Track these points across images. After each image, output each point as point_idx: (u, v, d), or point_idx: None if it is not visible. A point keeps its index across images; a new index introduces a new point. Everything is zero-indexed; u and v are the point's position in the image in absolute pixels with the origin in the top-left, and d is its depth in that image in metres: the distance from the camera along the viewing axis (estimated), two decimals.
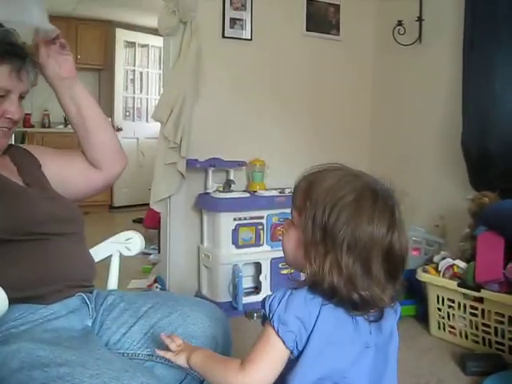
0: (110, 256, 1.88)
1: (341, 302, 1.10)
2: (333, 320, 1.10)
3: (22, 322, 1.39)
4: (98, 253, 1.83)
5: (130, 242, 1.87)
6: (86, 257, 1.68)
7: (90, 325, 1.54)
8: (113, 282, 1.85)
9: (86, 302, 1.55)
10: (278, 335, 1.09)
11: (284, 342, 1.09)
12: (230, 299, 3.61)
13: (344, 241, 1.09)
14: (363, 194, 1.13)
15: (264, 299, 1.15)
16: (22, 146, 1.81)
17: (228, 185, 3.73)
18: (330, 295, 1.10)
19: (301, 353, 1.10)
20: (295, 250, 1.19)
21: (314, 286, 1.11)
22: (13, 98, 1.58)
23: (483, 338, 2.99)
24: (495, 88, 3.40)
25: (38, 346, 1.30)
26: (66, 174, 1.76)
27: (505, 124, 3.38)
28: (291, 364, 1.12)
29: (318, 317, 1.09)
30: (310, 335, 1.09)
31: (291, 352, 1.11)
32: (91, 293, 1.61)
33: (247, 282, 3.77)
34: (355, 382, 1.12)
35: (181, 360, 1.26)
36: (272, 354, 1.11)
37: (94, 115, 1.80)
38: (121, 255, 1.88)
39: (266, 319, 1.13)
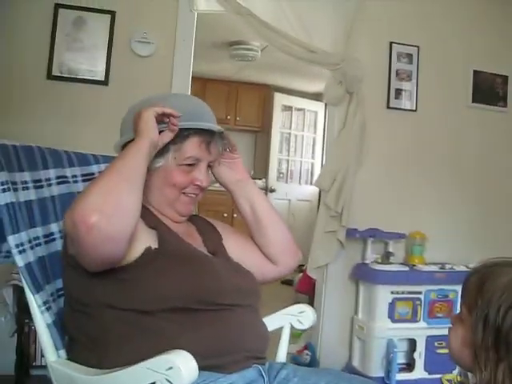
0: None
1: None
2: None
3: None
4: (270, 322, 1.83)
5: (302, 316, 1.89)
6: (262, 328, 1.70)
7: None
8: (282, 354, 1.86)
9: (262, 375, 1.55)
10: None
11: None
12: (382, 374, 3.49)
13: None
14: None
15: None
16: (204, 217, 1.89)
17: (387, 256, 3.67)
18: None
19: None
20: (462, 349, 1.10)
21: None
22: (202, 166, 1.67)
23: None
24: None
25: None
26: (242, 259, 1.79)
27: None
28: None
29: None
30: None
31: None
32: (265, 364, 1.62)
33: (400, 358, 3.62)
34: None
35: None
36: None
37: (268, 212, 1.85)
38: (292, 327, 1.89)
39: None
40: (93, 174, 1.91)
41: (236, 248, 1.81)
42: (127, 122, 1.67)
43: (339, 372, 1.69)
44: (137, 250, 1.48)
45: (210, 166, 1.73)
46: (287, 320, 1.89)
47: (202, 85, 7.71)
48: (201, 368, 1.28)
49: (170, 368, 1.21)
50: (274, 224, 1.86)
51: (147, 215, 1.61)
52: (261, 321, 1.72)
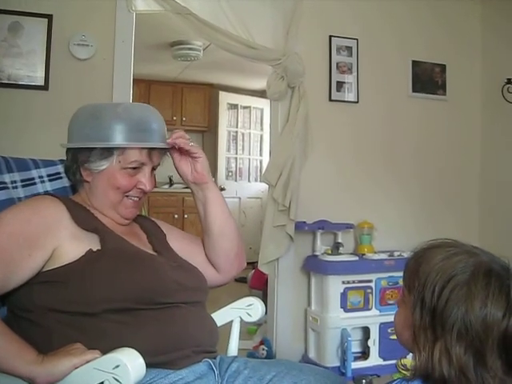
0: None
1: None
2: None
3: None
4: (219, 318, 1.86)
5: (251, 308, 1.89)
6: (210, 323, 1.71)
7: None
8: (233, 348, 1.87)
9: (213, 368, 1.56)
10: None
11: None
12: (338, 364, 3.54)
13: (454, 327, 1.01)
14: (476, 274, 1.04)
15: None
16: (149, 216, 1.89)
17: (336, 247, 3.72)
18: None
19: None
20: (404, 331, 1.13)
21: (426, 376, 1.03)
22: (146, 170, 1.68)
23: None
24: None
25: None
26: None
27: None
28: None
29: None
30: None
31: None
32: (215, 358, 1.63)
33: (355, 347, 3.68)
34: None
35: None
36: None
37: (220, 223, 1.83)
38: (241, 321, 1.90)
39: None
40: (32, 179, 1.88)
41: (179, 249, 1.82)
42: (77, 125, 1.68)
43: (291, 362, 1.71)
44: (77, 253, 1.49)
45: (154, 169, 1.73)
46: (236, 314, 1.90)
47: (147, 87, 7.69)
48: (149, 365, 1.28)
49: (117, 366, 1.21)
50: (224, 233, 1.84)
51: (88, 218, 1.62)
52: (208, 316, 1.73)
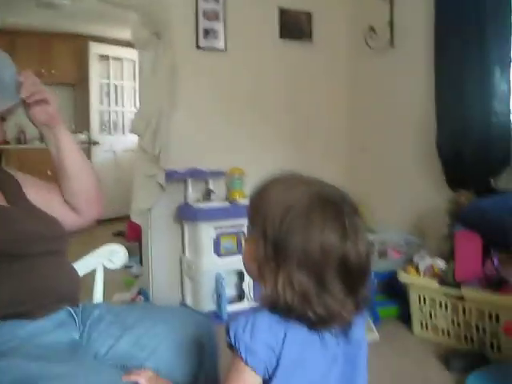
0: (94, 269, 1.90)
1: (300, 321, 1.05)
2: (299, 340, 1.05)
3: (9, 338, 1.40)
4: (81, 267, 1.84)
5: (113, 255, 1.88)
6: (70, 272, 1.69)
7: (78, 338, 1.55)
8: (98, 296, 1.87)
9: (73, 316, 1.56)
10: (248, 365, 1.04)
11: (255, 370, 1.05)
12: (214, 308, 3.62)
13: (294, 255, 1.04)
14: (312, 203, 1.07)
15: (227, 326, 1.08)
16: (3, 168, 1.82)
17: (207, 194, 3.76)
18: (287, 314, 1.05)
19: (272, 375, 1.05)
20: (250, 264, 1.15)
21: (273, 305, 1.07)
22: None
23: (465, 336, 3.04)
24: (466, 89, 3.45)
25: (27, 361, 1.31)
26: (44, 208, 1.74)
27: (476, 125, 3.42)
28: None
29: (284, 339, 1.04)
30: (278, 359, 1.04)
31: (263, 377, 1.06)
32: (77, 306, 1.62)
33: (231, 291, 3.79)
34: None
35: None
36: None
37: (74, 163, 1.79)
38: (104, 268, 1.89)
39: (232, 347, 1.07)
40: None
41: (35, 198, 1.76)
42: None
43: (153, 305, 1.74)
44: None
45: (3, 120, 1.66)
46: (99, 261, 1.88)
47: (12, 39, 7.27)
48: (5, 317, 1.26)
49: None
50: (78, 174, 1.80)
51: None
52: (69, 264, 1.70)
